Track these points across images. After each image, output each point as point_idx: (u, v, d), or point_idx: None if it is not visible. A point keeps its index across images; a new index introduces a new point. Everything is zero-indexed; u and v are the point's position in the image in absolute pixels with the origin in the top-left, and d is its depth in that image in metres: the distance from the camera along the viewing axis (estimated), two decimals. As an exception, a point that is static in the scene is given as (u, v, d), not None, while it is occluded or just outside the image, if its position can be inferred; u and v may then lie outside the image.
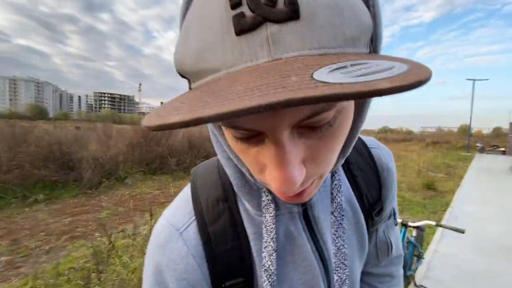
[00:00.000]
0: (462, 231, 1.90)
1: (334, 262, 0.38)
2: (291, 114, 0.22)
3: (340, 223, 0.38)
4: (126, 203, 5.07)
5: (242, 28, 0.20)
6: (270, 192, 0.36)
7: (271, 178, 0.25)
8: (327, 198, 0.40)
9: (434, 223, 2.05)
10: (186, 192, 0.41)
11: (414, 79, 0.15)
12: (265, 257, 0.36)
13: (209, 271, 0.37)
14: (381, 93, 0.13)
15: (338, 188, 0.38)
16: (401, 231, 2.09)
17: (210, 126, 0.35)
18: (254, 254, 0.38)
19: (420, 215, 4.83)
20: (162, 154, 7.68)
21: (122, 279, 2.34)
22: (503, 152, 21.40)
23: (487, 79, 27.31)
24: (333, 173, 0.38)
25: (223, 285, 0.37)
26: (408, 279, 2.42)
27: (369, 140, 0.50)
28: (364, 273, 0.57)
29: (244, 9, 0.20)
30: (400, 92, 0.14)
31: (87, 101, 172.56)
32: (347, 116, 0.27)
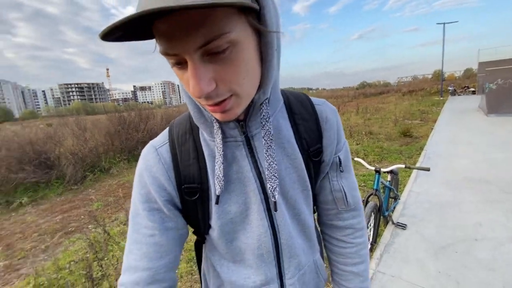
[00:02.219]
0: (427, 169, 2.09)
1: (267, 174, 0.49)
2: (193, 40, 0.32)
3: (270, 145, 0.48)
4: (115, 193, 5.06)
5: None
6: (218, 122, 0.47)
7: (189, 88, 0.36)
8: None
9: (403, 165, 2.23)
10: (166, 129, 0.56)
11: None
12: (216, 168, 0.48)
13: (174, 176, 0.51)
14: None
15: (266, 119, 0.48)
16: (375, 178, 2.26)
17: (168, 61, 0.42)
18: (208, 170, 0.50)
19: (398, 161, 5.18)
20: (143, 140, 7.53)
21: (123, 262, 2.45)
22: (473, 92, 22.44)
23: (457, 21, 27.64)
24: (261, 108, 0.48)
25: (183, 187, 0.51)
26: (386, 219, 2.68)
27: (317, 100, 0.60)
28: (328, 227, 0.67)
29: None
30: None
31: (53, 96, 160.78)
32: (243, 51, 0.36)
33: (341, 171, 0.60)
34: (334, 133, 0.58)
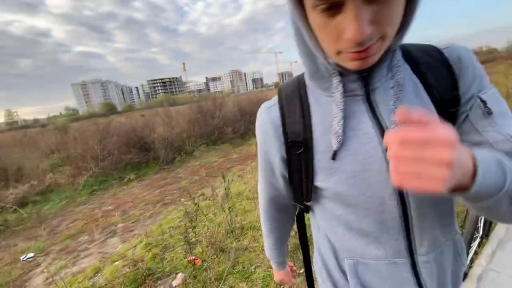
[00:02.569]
0: None
1: (393, 127, 0.44)
2: None
3: (398, 96, 0.45)
4: (198, 172, 5.70)
5: None
6: (339, 74, 0.46)
7: (347, 33, 0.35)
8: (387, 88, 0.47)
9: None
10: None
11: None
12: (335, 123, 0.47)
13: (282, 132, 0.54)
14: None
15: (398, 68, 0.45)
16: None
17: (294, 14, 0.42)
18: (314, 126, 0.51)
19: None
20: (218, 125, 8.17)
21: (211, 231, 2.75)
22: None
23: None
24: (393, 55, 0.46)
25: (289, 141, 0.53)
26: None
27: (443, 44, 0.51)
28: None
29: None
30: None
31: (143, 91, 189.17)
32: None
33: (490, 113, 0.44)
34: (472, 71, 0.47)
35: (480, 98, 0.45)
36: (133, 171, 6.42)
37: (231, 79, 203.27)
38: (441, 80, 0.47)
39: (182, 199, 4.35)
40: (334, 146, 0.47)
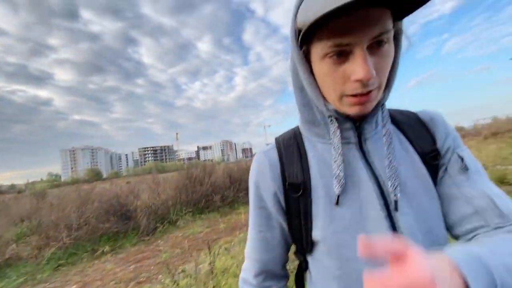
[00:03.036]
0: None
1: (387, 172, 0.47)
2: (371, 31, 0.39)
3: (390, 143, 0.48)
4: (181, 244, 5.21)
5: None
6: (336, 120, 0.49)
7: (357, 74, 0.40)
8: (379, 140, 0.51)
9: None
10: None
11: None
12: (335, 168, 0.48)
13: (280, 173, 0.54)
14: None
15: (387, 118, 0.50)
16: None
17: (299, 67, 0.48)
18: (312, 172, 0.52)
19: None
20: (207, 193, 7.93)
21: None
22: None
23: (538, 54, 24.18)
24: (382, 108, 0.50)
25: (287, 183, 0.53)
26: None
27: (418, 110, 0.60)
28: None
29: None
30: None
31: (133, 158, 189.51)
32: (391, 49, 0.43)
33: (467, 169, 0.47)
34: (445, 129, 0.54)
35: (458, 154, 0.50)
36: (109, 242, 5.82)
37: (222, 148, 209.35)
38: (420, 136, 0.53)
39: (159, 276, 3.84)
40: (337, 190, 0.47)
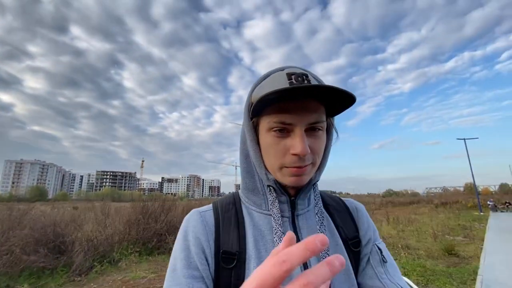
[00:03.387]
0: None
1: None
2: (309, 118, 0.47)
3: (322, 222, 0.52)
4: (117, 291, 4.53)
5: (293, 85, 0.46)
6: (274, 191, 0.52)
7: (296, 148, 0.46)
8: (310, 217, 0.55)
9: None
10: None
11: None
12: (276, 240, 0.49)
13: (214, 240, 0.52)
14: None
15: (319, 197, 0.55)
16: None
17: (248, 135, 0.53)
18: (248, 239, 0.51)
19: (449, 287, 4.29)
20: (160, 232, 7.28)
21: None
22: (518, 209, 20.40)
23: (477, 138, 28.22)
24: (314, 188, 0.55)
25: (221, 251, 0.50)
26: None
27: (343, 197, 0.67)
28: None
29: (294, 82, 0.47)
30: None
31: (89, 180, 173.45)
32: (323, 135, 0.51)
33: (385, 261, 0.54)
34: (367, 221, 0.60)
35: (378, 246, 0.56)
36: (30, 279, 4.90)
37: (188, 182, 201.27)
38: (345, 222, 0.58)
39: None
40: None
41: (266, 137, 0.49)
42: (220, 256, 0.49)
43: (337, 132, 0.57)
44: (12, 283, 4.69)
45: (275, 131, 0.48)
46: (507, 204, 22.95)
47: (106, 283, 5.06)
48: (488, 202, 22.85)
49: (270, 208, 0.52)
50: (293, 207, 0.54)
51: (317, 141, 0.49)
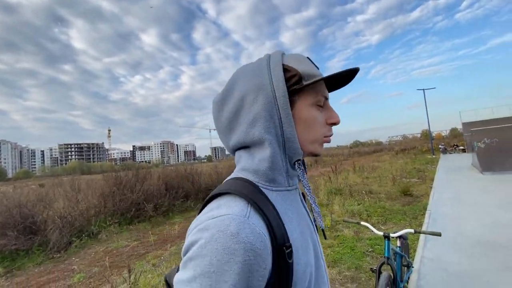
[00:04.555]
0: (439, 234, 1.97)
1: (317, 212, 0.58)
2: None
3: (310, 187, 0.56)
4: (101, 261, 4.62)
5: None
6: (302, 165, 0.55)
7: (335, 118, 0.55)
8: (306, 185, 0.58)
9: (412, 230, 2.10)
10: (224, 199, 0.45)
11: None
12: (314, 206, 0.57)
13: (270, 239, 0.41)
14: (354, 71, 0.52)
15: (306, 167, 0.61)
16: (384, 244, 2.11)
17: (285, 109, 0.49)
18: (286, 225, 0.46)
19: (403, 222, 4.97)
20: (137, 201, 7.27)
21: None
22: (463, 150, 23.24)
23: (434, 88, 30.32)
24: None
25: (284, 247, 0.42)
26: (402, 292, 2.40)
27: None
28: None
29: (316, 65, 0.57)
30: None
31: (51, 155, 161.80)
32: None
33: None
34: None
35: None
36: (3, 262, 4.79)
37: (162, 149, 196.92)
38: None
39: (68, 304, 3.30)
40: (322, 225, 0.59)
41: (310, 111, 0.52)
42: (285, 254, 0.42)
43: None
44: (-16, 268, 4.55)
45: (318, 105, 0.53)
46: (454, 146, 25.94)
47: (88, 255, 5.11)
48: (440, 146, 25.62)
49: (302, 181, 0.55)
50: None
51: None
